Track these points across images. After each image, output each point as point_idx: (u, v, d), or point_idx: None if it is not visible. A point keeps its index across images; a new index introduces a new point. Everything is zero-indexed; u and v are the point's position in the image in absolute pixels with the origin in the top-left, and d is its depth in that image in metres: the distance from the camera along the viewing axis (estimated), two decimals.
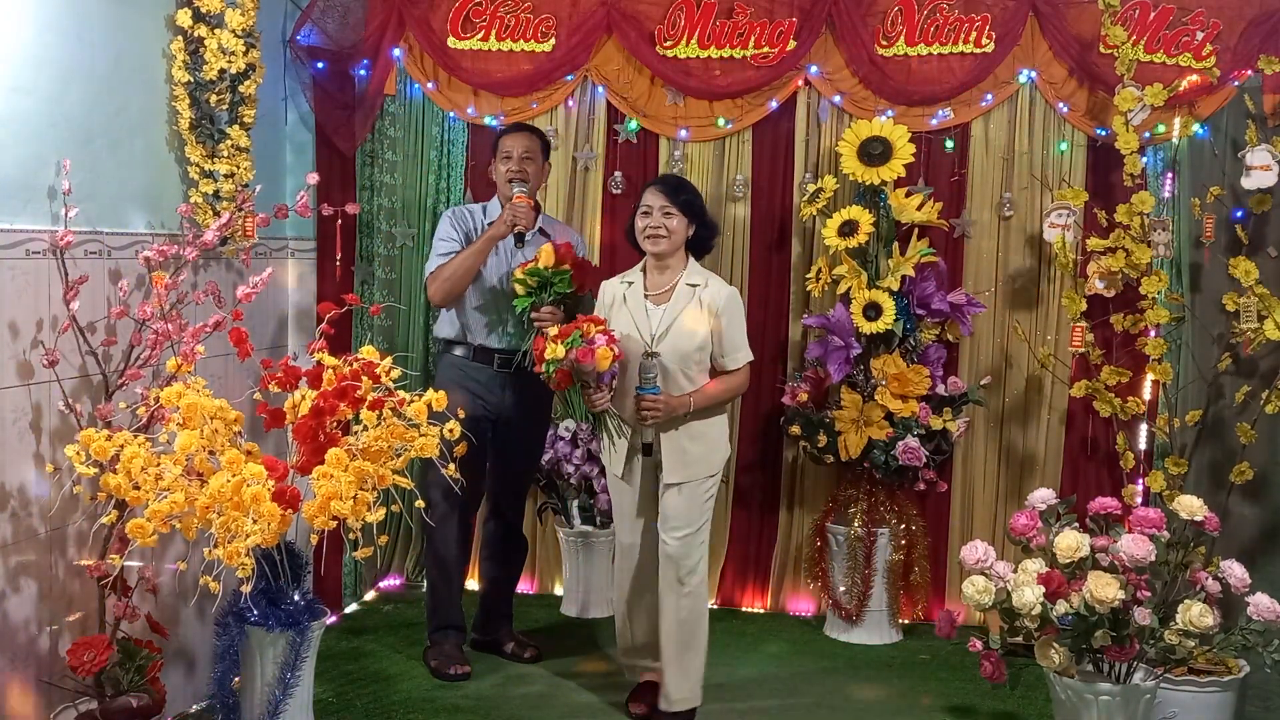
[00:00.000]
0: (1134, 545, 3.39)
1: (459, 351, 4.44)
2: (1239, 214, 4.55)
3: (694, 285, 3.93)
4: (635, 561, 4.08)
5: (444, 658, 4.44)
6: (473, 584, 4.94)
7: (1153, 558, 3.40)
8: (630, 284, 4.02)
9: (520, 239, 4.32)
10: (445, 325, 4.49)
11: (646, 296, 3.96)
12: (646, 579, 4.06)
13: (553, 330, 3.89)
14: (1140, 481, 4.66)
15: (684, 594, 3.93)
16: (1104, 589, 3.31)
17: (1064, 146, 4.91)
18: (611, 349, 3.77)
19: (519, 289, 4.20)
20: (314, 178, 4.15)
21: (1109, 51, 4.64)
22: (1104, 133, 4.75)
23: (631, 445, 3.93)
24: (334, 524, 3.38)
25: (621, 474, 4.00)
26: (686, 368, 3.88)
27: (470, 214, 4.49)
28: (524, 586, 5.43)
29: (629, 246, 5.12)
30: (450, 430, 3.60)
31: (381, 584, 5.41)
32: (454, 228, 4.41)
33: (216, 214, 4.12)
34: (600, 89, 5.16)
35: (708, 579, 4.16)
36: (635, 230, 3.99)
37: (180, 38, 4.06)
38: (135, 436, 3.41)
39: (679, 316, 3.89)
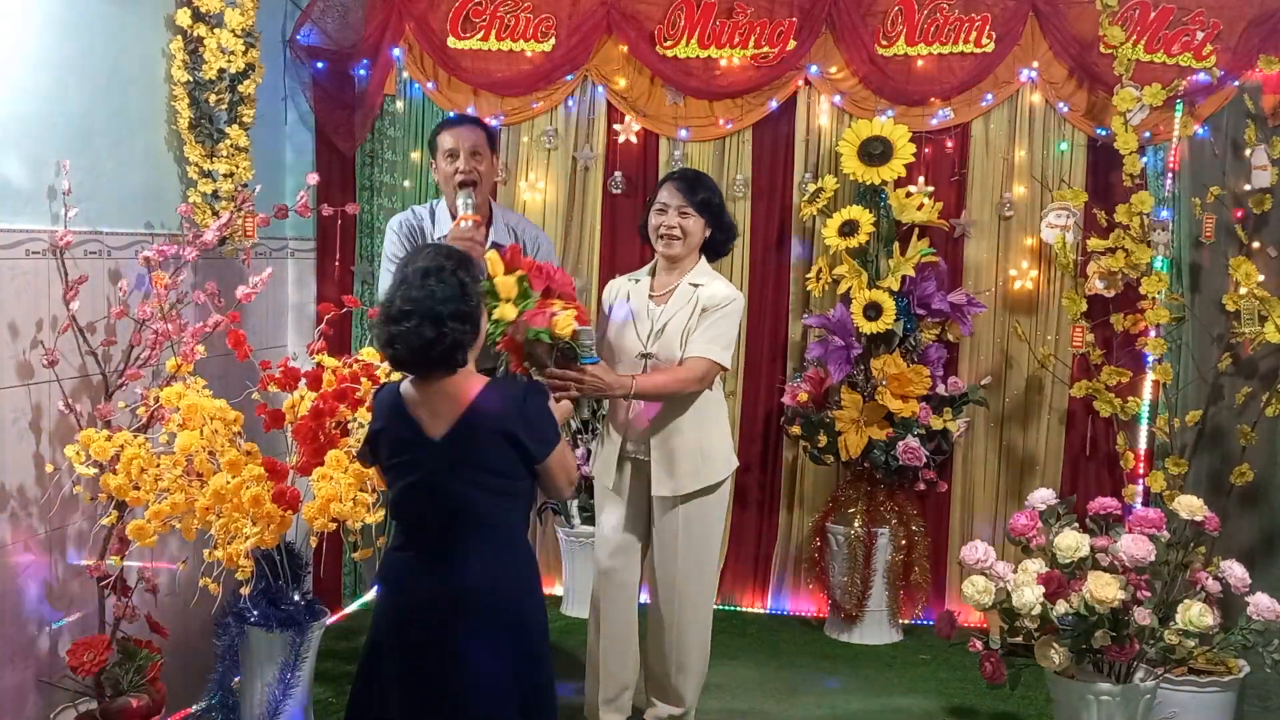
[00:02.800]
0: (1134, 545, 3.39)
1: None
2: (1239, 214, 4.55)
3: (696, 285, 3.68)
4: (616, 589, 3.77)
5: None
6: None
7: (1153, 558, 3.40)
8: (637, 282, 3.79)
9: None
10: None
11: (651, 296, 3.72)
12: (630, 611, 3.80)
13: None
14: (1140, 481, 4.66)
15: (684, 614, 3.72)
16: (1104, 589, 3.31)
17: (1064, 146, 4.91)
18: (573, 323, 3.18)
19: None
20: (314, 178, 4.15)
21: (1109, 51, 4.64)
22: (1104, 132, 4.74)
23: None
24: (334, 526, 3.38)
25: (611, 485, 3.73)
26: None
27: (419, 220, 4.04)
28: None
29: (628, 248, 5.17)
30: None
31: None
32: (403, 243, 3.95)
33: (215, 214, 4.12)
34: (600, 89, 5.15)
35: (709, 614, 3.85)
36: (649, 227, 3.73)
37: (179, 37, 4.06)
38: (135, 437, 3.41)
39: (674, 317, 3.65)
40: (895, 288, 4.76)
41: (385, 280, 3.87)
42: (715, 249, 3.80)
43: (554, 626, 4.97)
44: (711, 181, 3.83)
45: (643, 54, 5.03)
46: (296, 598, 3.68)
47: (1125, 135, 4.49)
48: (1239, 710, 3.91)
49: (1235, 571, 3.51)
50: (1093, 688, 3.43)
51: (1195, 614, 3.35)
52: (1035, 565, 3.49)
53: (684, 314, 3.64)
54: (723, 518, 3.87)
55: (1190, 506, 3.55)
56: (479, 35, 5.11)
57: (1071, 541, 3.45)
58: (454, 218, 3.87)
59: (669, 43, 5.04)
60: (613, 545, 3.77)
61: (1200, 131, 4.63)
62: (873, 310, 4.75)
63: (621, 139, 5.18)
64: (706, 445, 3.68)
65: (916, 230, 4.89)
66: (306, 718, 3.75)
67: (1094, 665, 3.46)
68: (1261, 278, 4.34)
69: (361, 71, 5.06)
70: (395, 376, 3.66)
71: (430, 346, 2.62)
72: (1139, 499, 4.57)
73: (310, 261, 5.09)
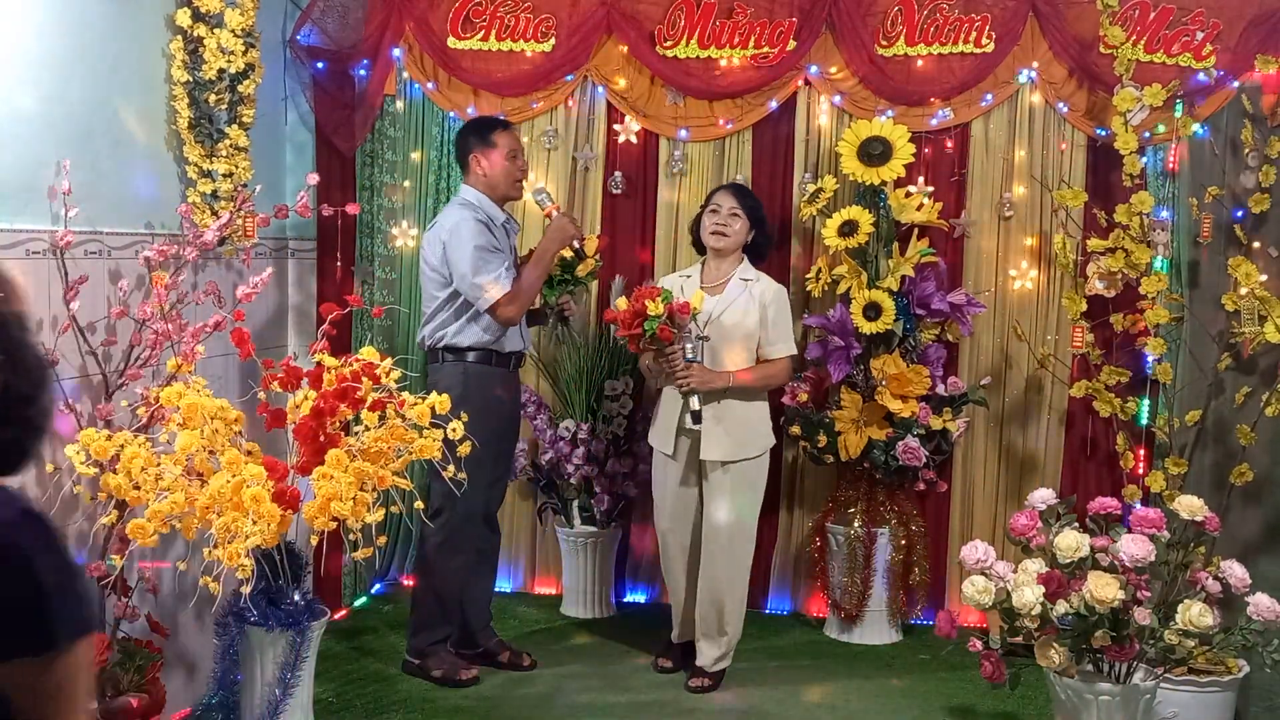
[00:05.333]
0: (1134, 545, 3.39)
1: (473, 358, 4.29)
2: (1239, 214, 4.54)
3: (747, 280, 4.31)
4: (675, 546, 4.41)
5: (450, 665, 4.38)
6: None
7: (1153, 558, 3.40)
8: (688, 277, 4.41)
9: (582, 253, 4.41)
10: (470, 333, 4.29)
11: (702, 287, 4.30)
12: (687, 562, 4.40)
13: (621, 301, 4.20)
14: (1140, 481, 4.66)
15: (727, 573, 4.30)
16: (1104, 589, 3.31)
17: (1064, 147, 4.91)
18: (700, 299, 4.21)
19: (551, 278, 4.40)
20: (314, 178, 4.15)
21: (1109, 51, 4.63)
22: (1104, 133, 4.74)
23: (683, 415, 4.22)
24: (334, 525, 3.38)
25: (672, 452, 4.32)
26: (734, 353, 4.24)
27: (485, 222, 4.31)
28: (524, 586, 5.43)
29: (627, 247, 5.22)
30: (453, 430, 3.60)
31: (381, 584, 5.40)
32: (493, 234, 4.29)
33: (215, 214, 4.12)
34: (600, 89, 5.15)
35: (749, 561, 4.44)
36: (701, 226, 4.40)
37: (179, 37, 4.05)
38: (135, 436, 3.41)
39: (730, 306, 4.25)
40: (895, 288, 4.76)
41: (492, 271, 4.19)
42: (757, 251, 4.44)
43: (553, 626, 5.02)
44: (756, 197, 4.52)
45: (643, 54, 5.03)
46: (296, 597, 3.68)
47: (1125, 135, 4.49)
48: (1239, 710, 3.91)
49: (1235, 571, 3.51)
50: (1093, 688, 3.43)
51: (1195, 614, 3.34)
52: (1035, 565, 3.49)
53: (741, 304, 4.27)
54: (762, 488, 4.38)
55: (1190, 507, 3.54)
56: (479, 35, 5.11)
57: (1071, 541, 3.44)
58: (502, 208, 4.42)
59: (669, 43, 5.04)
60: (669, 510, 4.39)
61: (1200, 131, 4.63)
62: (872, 310, 4.75)
63: (621, 139, 5.18)
64: (752, 420, 4.29)
65: (916, 230, 4.89)
66: (306, 718, 3.75)
67: (1094, 665, 3.46)
68: (1264, 278, 4.34)
69: (361, 72, 5.05)
70: (395, 375, 3.69)
71: None
72: (1139, 499, 4.57)
73: (310, 262, 5.09)
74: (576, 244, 4.39)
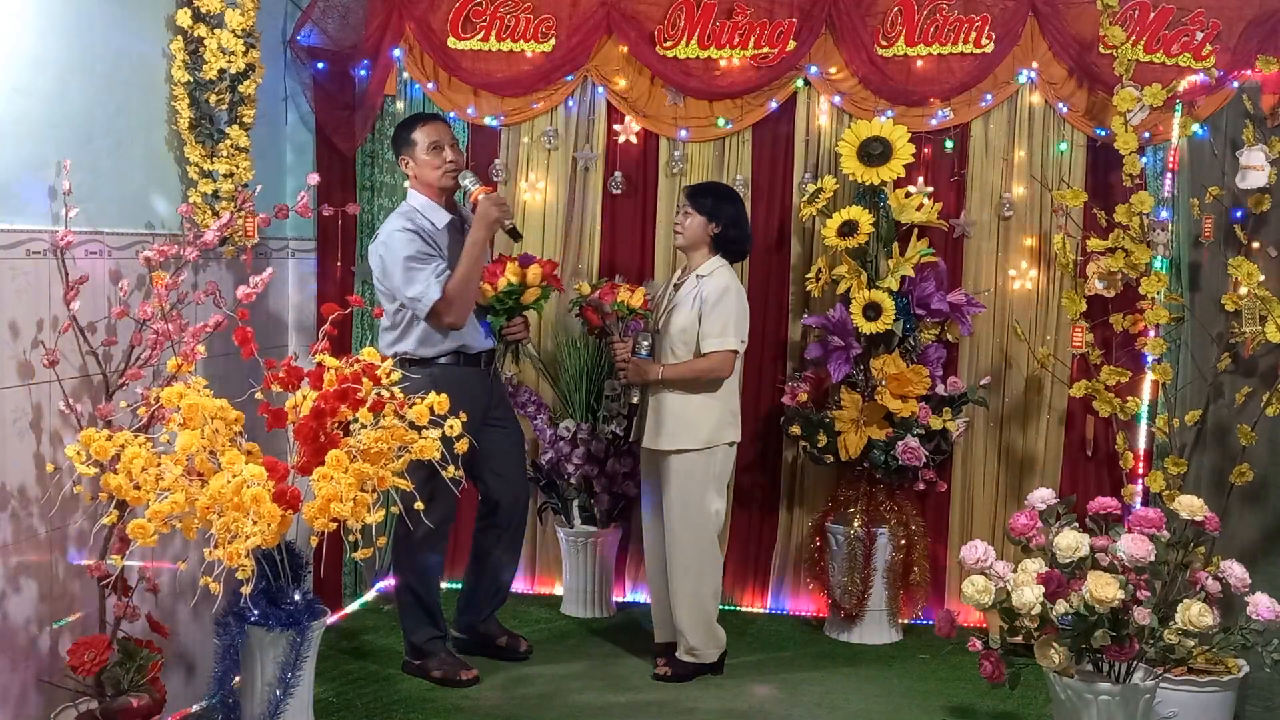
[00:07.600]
0: (1134, 545, 3.39)
1: (445, 361, 4.30)
2: (1239, 214, 4.54)
3: (701, 277, 4.38)
4: (647, 539, 4.57)
5: (450, 665, 4.40)
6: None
7: (1152, 558, 3.40)
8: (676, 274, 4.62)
9: (516, 233, 4.41)
10: (433, 345, 4.28)
11: (673, 284, 4.53)
12: (657, 546, 4.50)
13: (584, 286, 4.64)
14: (1140, 482, 4.66)
15: (673, 564, 4.39)
16: (1104, 589, 3.31)
17: (1064, 146, 4.92)
18: (641, 296, 4.54)
19: (494, 305, 4.39)
20: (314, 178, 4.14)
21: (1108, 51, 4.64)
22: (1104, 133, 4.75)
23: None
24: (334, 526, 3.37)
25: (630, 439, 4.62)
26: (675, 346, 4.38)
27: (420, 223, 4.28)
28: (524, 586, 5.44)
29: (628, 248, 5.23)
30: (450, 427, 3.59)
31: (381, 584, 5.41)
32: (425, 242, 4.23)
33: (216, 214, 4.12)
34: (600, 89, 5.16)
35: (712, 549, 4.46)
36: None
37: (180, 37, 4.06)
38: (136, 436, 3.41)
39: (680, 303, 4.40)
40: (895, 288, 4.76)
41: (423, 280, 4.16)
42: (727, 248, 4.44)
43: (554, 626, 5.02)
44: (721, 192, 4.50)
45: (643, 54, 5.03)
46: (297, 597, 3.68)
47: (1125, 135, 4.49)
48: (1239, 710, 3.91)
49: (1235, 571, 3.51)
50: (1092, 688, 3.43)
51: (1195, 614, 3.34)
52: (1035, 565, 3.49)
53: (688, 301, 4.37)
54: (713, 483, 4.37)
55: (1190, 506, 3.54)
56: (479, 36, 5.11)
57: (1071, 541, 3.44)
58: (449, 208, 4.37)
59: (669, 43, 5.04)
60: (644, 496, 4.58)
61: (1199, 131, 4.63)
62: (872, 310, 4.75)
63: (621, 139, 5.18)
64: (690, 412, 4.34)
65: (916, 230, 4.89)
66: (306, 718, 3.75)
67: (1094, 665, 3.46)
68: (1262, 278, 4.33)
69: (362, 72, 5.06)
70: (395, 376, 3.68)
71: None
72: (1139, 499, 4.57)
73: (311, 262, 5.09)
74: (507, 224, 4.31)
